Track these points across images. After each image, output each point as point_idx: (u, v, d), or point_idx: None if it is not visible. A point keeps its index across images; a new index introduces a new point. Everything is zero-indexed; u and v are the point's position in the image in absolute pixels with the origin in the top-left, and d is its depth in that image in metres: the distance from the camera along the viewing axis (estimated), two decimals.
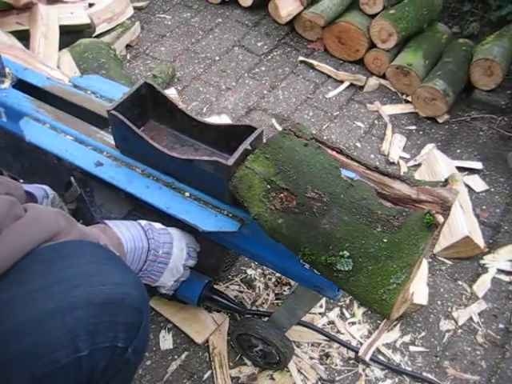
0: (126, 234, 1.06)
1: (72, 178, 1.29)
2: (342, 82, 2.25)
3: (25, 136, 1.26)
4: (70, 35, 2.06)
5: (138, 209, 1.26)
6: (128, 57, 2.28)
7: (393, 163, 1.94)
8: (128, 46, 2.32)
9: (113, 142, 1.28)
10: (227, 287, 1.53)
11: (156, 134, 1.29)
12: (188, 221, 1.11)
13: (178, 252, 1.16)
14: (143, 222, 1.13)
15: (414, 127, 2.09)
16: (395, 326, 1.49)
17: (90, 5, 2.25)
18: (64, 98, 1.39)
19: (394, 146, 2.00)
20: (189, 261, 1.20)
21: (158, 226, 1.16)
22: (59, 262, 0.82)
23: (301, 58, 2.33)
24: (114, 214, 1.29)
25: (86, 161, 1.23)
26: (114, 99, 1.39)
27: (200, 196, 1.16)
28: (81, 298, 0.79)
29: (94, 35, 2.16)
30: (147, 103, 1.27)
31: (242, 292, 1.52)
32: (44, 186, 1.23)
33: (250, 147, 1.09)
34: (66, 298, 0.78)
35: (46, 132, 1.27)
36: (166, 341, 1.42)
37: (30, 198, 1.14)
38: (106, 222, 1.07)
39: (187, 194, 1.16)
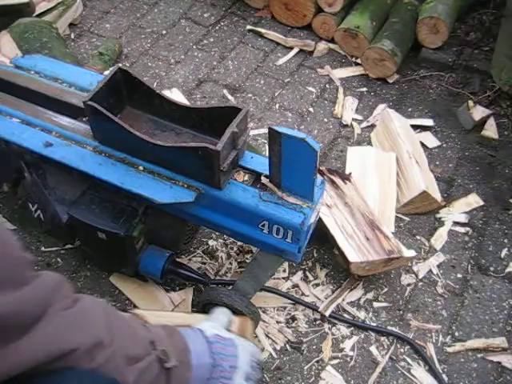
0: (193, 347, 0.93)
1: (26, 174, 1.26)
2: (291, 48, 2.24)
3: None
4: (7, 16, 1.99)
5: (93, 187, 1.25)
6: (72, 36, 2.22)
7: (346, 126, 1.96)
8: (71, 25, 2.25)
9: (62, 122, 1.26)
10: (190, 259, 1.53)
11: (134, 121, 1.25)
12: (143, 194, 1.11)
13: (244, 366, 1.01)
14: (208, 332, 1.00)
15: (365, 89, 2.11)
16: (358, 284, 1.52)
17: None
18: (7, 80, 1.35)
19: (347, 108, 2.01)
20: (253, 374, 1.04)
21: (225, 334, 1.04)
22: None
23: (249, 27, 2.31)
24: (69, 195, 1.27)
25: (35, 142, 1.20)
26: (59, 78, 1.37)
27: (154, 169, 1.15)
28: None
29: (34, 15, 2.09)
30: (122, 90, 1.23)
31: (204, 263, 1.53)
32: None
33: (236, 130, 1.06)
34: None
35: None
36: None
37: None
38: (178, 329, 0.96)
39: (141, 168, 1.15)
